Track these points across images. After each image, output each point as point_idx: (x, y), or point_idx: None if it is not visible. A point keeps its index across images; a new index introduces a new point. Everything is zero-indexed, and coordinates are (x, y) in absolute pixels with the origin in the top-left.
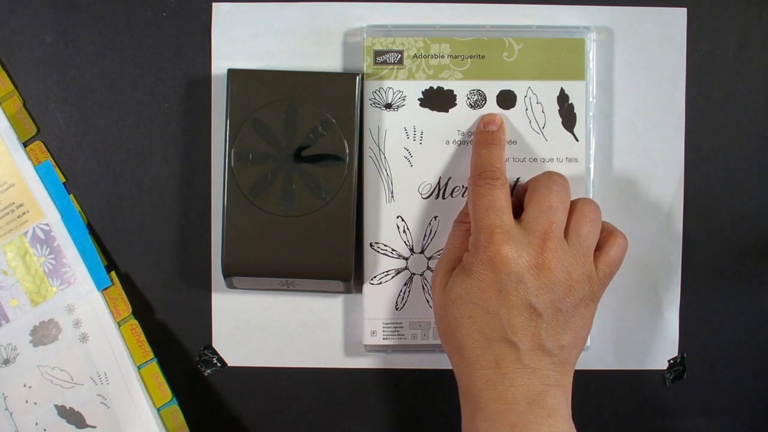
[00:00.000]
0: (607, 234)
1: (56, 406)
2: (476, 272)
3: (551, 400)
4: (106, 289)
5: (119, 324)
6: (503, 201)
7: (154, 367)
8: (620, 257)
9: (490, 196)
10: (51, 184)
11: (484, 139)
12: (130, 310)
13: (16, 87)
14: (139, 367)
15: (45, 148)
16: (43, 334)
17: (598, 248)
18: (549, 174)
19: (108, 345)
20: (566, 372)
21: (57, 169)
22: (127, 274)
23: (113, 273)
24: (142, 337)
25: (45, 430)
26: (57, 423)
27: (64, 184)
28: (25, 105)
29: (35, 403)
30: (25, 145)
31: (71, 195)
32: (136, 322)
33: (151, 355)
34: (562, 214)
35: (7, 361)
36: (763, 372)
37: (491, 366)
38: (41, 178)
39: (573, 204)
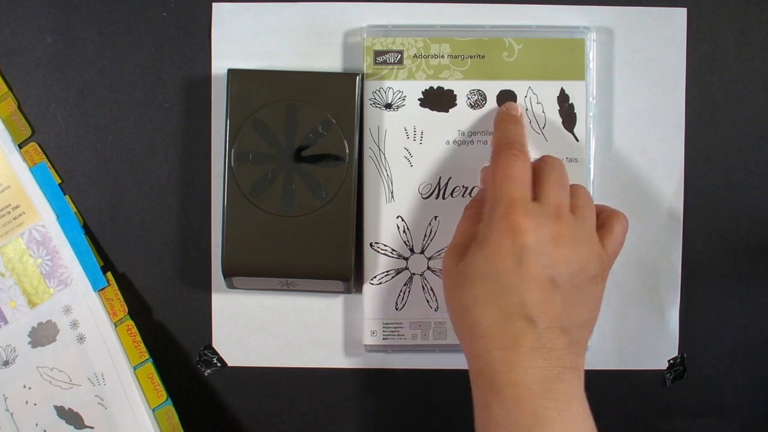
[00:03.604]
0: (608, 214)
1: (56, 407)
2: (493, 242)
3: (568, 384)
4: (103, 289)
5: (115, 325)
6: (525, 174)
7: (150, 368)
8: (623, 236)
9: (513, 167)
10: (46, 186)
11: (508, 117)
12: (126, 310)
13: (10, 89)
14: (134, 368)
15: (40, 150)
16: (41, 335)
17: (602, 228)
18: (549, 156)
19: (104, 346)
20: (580, 354)
21: (52, 170)
22: (126, 275)
23: (109, 274)
24: (138, 337)
25: (45, 430)
26: (56, 423)
27: (59, 185)
28: (19, 107)
29: (35, 404)
30: (20, 146)
31: (67, 196)
32: (132, 322)
33: (147, 356)
34: (567, 194)
35: (6, 363)
36: (763, 372)
37: (508, 345)
38: (36, 179)
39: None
